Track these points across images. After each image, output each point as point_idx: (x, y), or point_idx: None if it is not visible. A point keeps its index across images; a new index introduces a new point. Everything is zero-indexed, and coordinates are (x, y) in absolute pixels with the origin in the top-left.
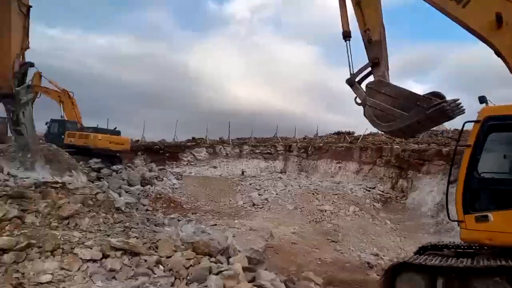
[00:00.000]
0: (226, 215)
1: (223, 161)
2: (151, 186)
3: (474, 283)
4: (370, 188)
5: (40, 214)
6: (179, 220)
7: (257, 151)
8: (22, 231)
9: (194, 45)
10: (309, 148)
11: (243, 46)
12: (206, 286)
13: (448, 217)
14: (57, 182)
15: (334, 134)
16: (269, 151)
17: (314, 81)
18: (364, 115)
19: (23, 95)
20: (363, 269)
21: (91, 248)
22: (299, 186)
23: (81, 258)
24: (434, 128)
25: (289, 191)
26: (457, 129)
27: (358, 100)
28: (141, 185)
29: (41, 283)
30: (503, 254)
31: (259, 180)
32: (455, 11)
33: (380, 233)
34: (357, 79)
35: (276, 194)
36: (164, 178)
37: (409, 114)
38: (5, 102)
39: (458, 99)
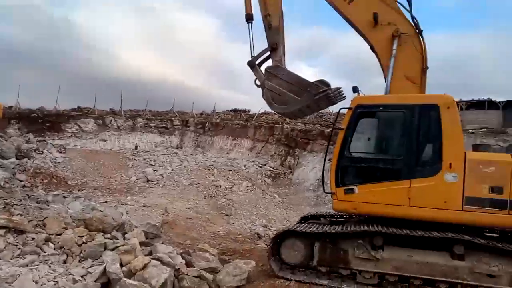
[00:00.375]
0: (118, 192)
1: (114, 134)
2: (29, 159)
3: (343, 245)
4: (262, 164)
5: None
6: (64, 197)
7: (152, 124)
8: None
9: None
10: (206, 124)
11: (139, 9)
12: (101, 262)
13: (324, 189)
14: None
15: (231, 111)
16: (165, 125)
17: (213, 55)
18: (263, 96)
19: None
20: (253, 240)
21: None
22: (195, 162)
23: None
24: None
25: (185, 167)
26: (339, 112)
27: (258, 82)
28: (17, 158)
29: None
30: (367, 221)
31: (153, 155)
32: (342, 7)
33: (269, 206)
34: (257, 62)
35: (172, 170)
36: (45, 151)
37: (300, 98)
38: None
39: (340, 88)
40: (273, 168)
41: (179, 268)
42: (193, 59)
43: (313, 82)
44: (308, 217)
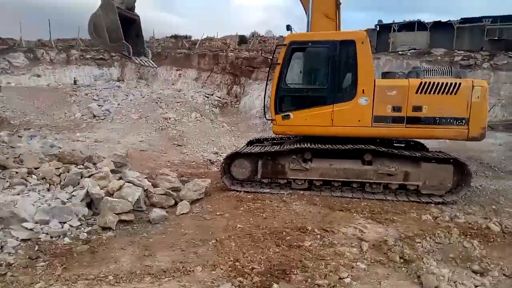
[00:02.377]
0: (65, 129)
1: (47, 69)
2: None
3: (280, 161)
4: (208, 94)
5: None
6: (20, 137)
7: (88, 56)
8: None
9: None
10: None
11: None
12: (81, 187)
13: (265, 117)
14: None
15: (171, 37)
16: (102, 57)
17: None
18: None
19: None
20: (206, 165)
21: None
22: (141, 95)
23: None
24: (263, 34)
25: (131, 100)
26: (281, 36)
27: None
28: None
29: None
30: (300, 141)
31: (95, 89)
32: None
33: (218, 134)
34: None
35: (118, 104)
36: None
37: (111, 44)
38: None
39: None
40: (220, 97)
41: (147, 189)
42: None
43: (118, 43)
44: (253, 141)
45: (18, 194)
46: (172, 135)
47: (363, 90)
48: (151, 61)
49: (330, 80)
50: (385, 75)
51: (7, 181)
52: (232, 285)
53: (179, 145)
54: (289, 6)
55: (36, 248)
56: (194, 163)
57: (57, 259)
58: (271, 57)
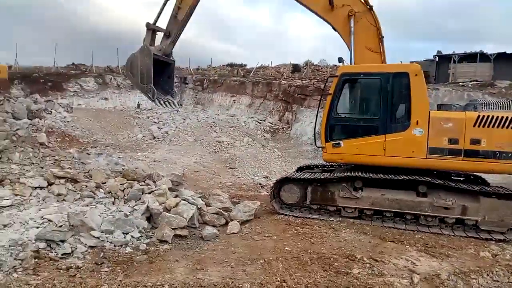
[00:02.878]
0: (128, 148)
1: (114, 93)
2: (40, 119)
3: (330, 188)
4: (261, 120)
5: None
6: (88, 154)
7: None
8: None
9: None
10: (205, 81)
11: None
12: (143, 202)
13: (315, 144)
14: None
15: (227, 65)
16: None
17: (205, 4)
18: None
19: None
20: (256, 189)
21: (34, 178)
22: (197, 119)
23: (30, 186)
24: (316, 63)
25: (188, 124)
26: (335, 65)
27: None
28: (28, 119)
29: (4, 207)
30: (351, 169)
31: (156, 113)
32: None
33: (269, 159)
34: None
35: (176, 127)
36: (53, 111)
37: (139, 84)
38: None
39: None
40: (271, 123)
41: (200, 207)
42: None
43: (147, 85)
44: (303, 167)
45: (87, 206)
46: (224, 158)
47: (417, 121)
48: (175, 102)
49: (382, 110)
50: (440, 107)
51: (78, 193)
52: None
53: (231, 168)
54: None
55: (101, 255)
56: (244, 185)
57: (119, 266)
58: (323, 87)
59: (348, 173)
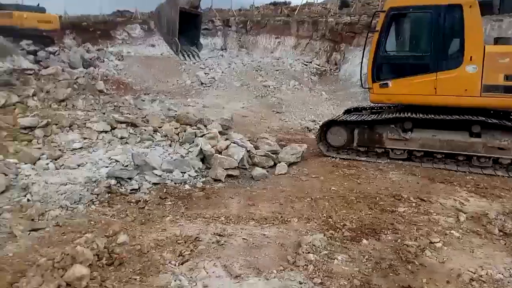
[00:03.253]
0: (178, 95)
1: (160, 39)
2: (94, 68)
3: (378, 130)
4: (307, 62)
5: (37, 98)
6: (143, 100)
7: None
8: (34, 113)
9: None
10: (248, 23)
11: None
12: (196, 144)
13: (362, 85)
14: (28, 69)
15: (270, 4)
16: (207, 27)
17: None
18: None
19: None
20: (303, 132)
21: (98, 123)
22: (243, 63)
23: (95, 130)
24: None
25: (233, 69)
26: None
27: None
28: (84, 67)
29: (76, 149)
30: (400, 110)
31: (201, 58)
32: None
33: (317, 103)
34: None
35: (222, 72)
36: (105, 59)
37: (167, 36)
38: None
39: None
40: (318, 65)
41: (249, 150)
42: None
43: (172, 37)
44: (351, 110)
45: (147, 148)
46: (271, 102)
47: (470, 57)
48: (198, 54)
49: (433, 46)
50: (497, 41)
51: (138, 137)
52: (324, 235)
53: (278, 112)
54: None
55: (164, 191)
56: (292, 129)
57: (180, 201)
58: (369, 23)
59: (397, 114)
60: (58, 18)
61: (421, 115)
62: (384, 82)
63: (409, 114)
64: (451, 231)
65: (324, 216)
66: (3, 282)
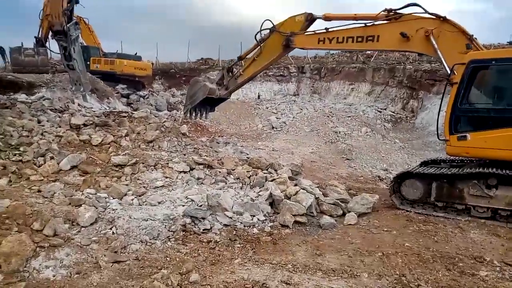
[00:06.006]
0: (249, 138)
1: None
2: (177, 111)
3: (459, 185)
4: (381, 109)
5: (129, 139)
6: (217, 143)
7: (270, 73)
8: (125, 152)
9: None
10: (322, 70)
11: None
12: (266, 188)
13: (438, 137)
14: (123, 112)
15: (346, 51)
16: (282, 73)
17: None
18: None
19: (73, 31)
20: (374, 181)
21: (179, 163)
22: (314, 109)
23: (176, 170)
24: None
25: (304, 114)
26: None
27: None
28: (168, 110)
29: (158, 187)
30: (483, 165)
31: (274, 103)
32: (374, 46)
33: (389, 151)
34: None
35: (293, 117)
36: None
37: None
38: (58, 39)
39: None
40: (393, 112)
41: (318, 197)
42: None
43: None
44: (428, 161)
45: (221, 189)
46: (341, 148)
47: None
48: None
49: None
50: None
51: (213, 178)
52: None
53: (347, 159)
54: (480, 9)
55: (234, 233)
56: (362, 177)
57: (249, 244)
58: (448, 75)
59: (480, 169)
60: (151, 66)
61: (507, 172)
62: (463, 134)
63: (493, 170)
64: None
65: (397, 274)
66: None
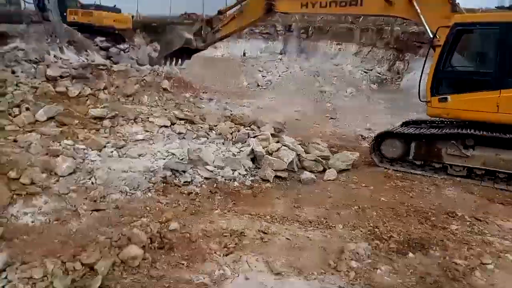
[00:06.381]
0: (234, 95)
1: (222, 41)
2: (159, 66)
3: (437, 145)
4: (368, 70)
5: (108, 92)
6: (201, 99)
7: (257, 31)
8: (104, 105)
9: None
10: (310, 29)
11: None
12: (248, 144)
13: (419, 98)
14: (102, 64)
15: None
16: (268, 31)
17: None
18: None
19: None
20: (357, 140)
21: (160, 118)
22: (300, 68)
23: (157, 125)
24: None
25: (291, 73)
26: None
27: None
28: (150, 65)
29: (138, 140)
30: (461, 126)
31: (260, 61)
32: (359, 11)
33: (374, 111)
34: None
35: (279, 75)
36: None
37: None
38: None
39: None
40: (379, 73)
41: (300, 154)
42: None
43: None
44: (409, 122)
45: (202, 144)
46: (326, 108)
47: None
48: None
49: (498, 64)
50: None
51: (195, 133)
52: (369, 245)
53: (332, 118)
54: None
55: (214, 185)
56: (345, 136)
57: (229, 196)
58: (431, 38)
59: (459, 130)
60: (131, 18)
61: (484, 133)
62: (444, 96)
63: (471, 131)
64: (506, 254)
65: (371, 226)
66: (66, 254)
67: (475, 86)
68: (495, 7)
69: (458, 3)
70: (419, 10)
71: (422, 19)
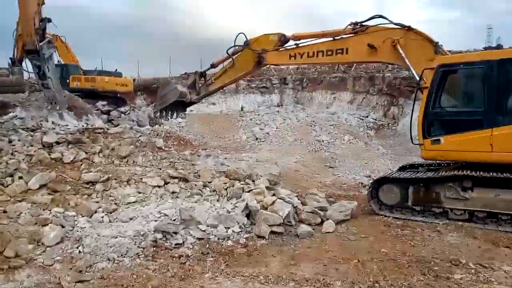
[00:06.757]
0: (233, 150)
1: (221, 97)
2: (159, 125)
3: (435, 189)
4: (363, 116)
5: (102, 155)
6: (198, 156)
7: (253, 85)
8: (98, 168)
9: None
10: (304, 80)
11: None
12: (243, 199)
13: (412, 141)
14: (99, 128)
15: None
16: (265, 85)
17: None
18: None
19: (46, 50)
20: (357, 188)
21: (153, 178)
22: (297, 119)
23: (150, 185)
24: None
25: (288, 124)
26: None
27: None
28: (150, 125)
29: (130, 202)
30: (460, 167)
31: (258, 114)
32: (344, 59)
33: (372, 157)
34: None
35: (277, 128)
36: (170, 118)
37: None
38: (31, 58)
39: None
40: (375, 119)
41: (297, 206)
42: (280, 8)
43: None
44: (406, 166)
45: (196, 202)
46: (324, 157)
47: None
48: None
49: (487, 102)
50: None
51: (188, 191)
52: None
53: (331, 167)
54: (454, 17)
55: (207, 246)
56: (345, 185)
57: (222, 257)
58: (416, 82)
59: (455, 172)
60: (132, 82)
61: (481, 173)
62: (436, 138)
63: (468, 172)
64: None
65: (371, 281)
66: None
67: (466, 126)
68: (483, 47)
69: (441, 45)
70: (403, 54)
71: (407, 62)
